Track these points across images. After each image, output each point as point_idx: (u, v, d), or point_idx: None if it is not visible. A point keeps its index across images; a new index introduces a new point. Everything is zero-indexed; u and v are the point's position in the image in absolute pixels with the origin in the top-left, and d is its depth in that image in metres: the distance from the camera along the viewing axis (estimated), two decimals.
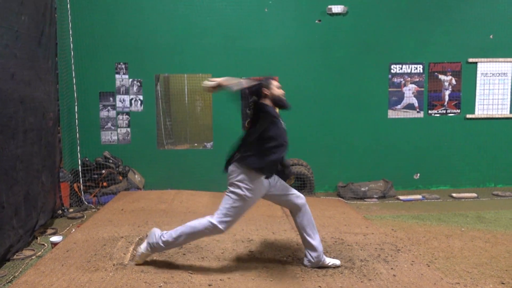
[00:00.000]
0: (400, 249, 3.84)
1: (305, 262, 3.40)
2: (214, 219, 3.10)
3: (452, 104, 6.76)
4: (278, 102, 3.22)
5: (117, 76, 6.40)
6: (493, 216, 5.16)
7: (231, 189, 3.13)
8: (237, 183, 3.09)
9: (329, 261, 3.39)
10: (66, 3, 6.04)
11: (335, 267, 3.38)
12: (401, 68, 6.68)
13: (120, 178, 6.18)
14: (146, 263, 3.32)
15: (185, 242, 3.27)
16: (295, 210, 3.37)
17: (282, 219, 4.81)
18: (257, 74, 6.49)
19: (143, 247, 3.24)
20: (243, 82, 3.03)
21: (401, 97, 6.71)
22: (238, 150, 3.21)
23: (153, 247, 3.19)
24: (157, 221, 4.50)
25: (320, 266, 3.36)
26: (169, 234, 3.17)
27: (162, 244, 3.15)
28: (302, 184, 6.29)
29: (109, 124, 6.45)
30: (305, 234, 3.35)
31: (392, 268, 3.38)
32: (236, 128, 6.55)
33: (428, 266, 3.50)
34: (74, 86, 6.18)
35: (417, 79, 6.70)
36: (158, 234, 3.19)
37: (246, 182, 3.08)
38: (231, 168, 3.16)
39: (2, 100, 3.79)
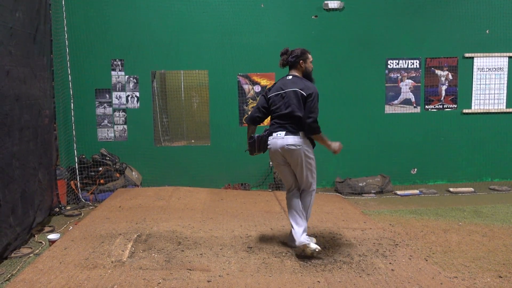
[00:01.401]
0: (398, 244, 3.85)
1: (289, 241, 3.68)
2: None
3: (449, 99, 6.77)
4: None
5: (113, 72, 6.37)
6: (490, 210, 5.19)
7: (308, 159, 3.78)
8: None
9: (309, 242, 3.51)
10: (61, 0, 6.00)
11: (318, 250, 3.44)
12: (398, 64, 6.67)
13: (117, 175, 6.16)
14: (144, 259, 3.32)
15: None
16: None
17: (280, 215, 4.82)
18: (253, 70, 6.50)
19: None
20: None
21: (398, 92, 6.71)
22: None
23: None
24: (155, 218, 4.49)
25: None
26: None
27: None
28: None
29: (106, 121, 6.42)
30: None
31: (390, 263, 3.39)
32: (233, 124, 6.53)
33: (426, 260, 3.51)
34: (70, 83, 6.15)
35: (414, 74, 6.71)
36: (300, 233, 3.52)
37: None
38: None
39: None
